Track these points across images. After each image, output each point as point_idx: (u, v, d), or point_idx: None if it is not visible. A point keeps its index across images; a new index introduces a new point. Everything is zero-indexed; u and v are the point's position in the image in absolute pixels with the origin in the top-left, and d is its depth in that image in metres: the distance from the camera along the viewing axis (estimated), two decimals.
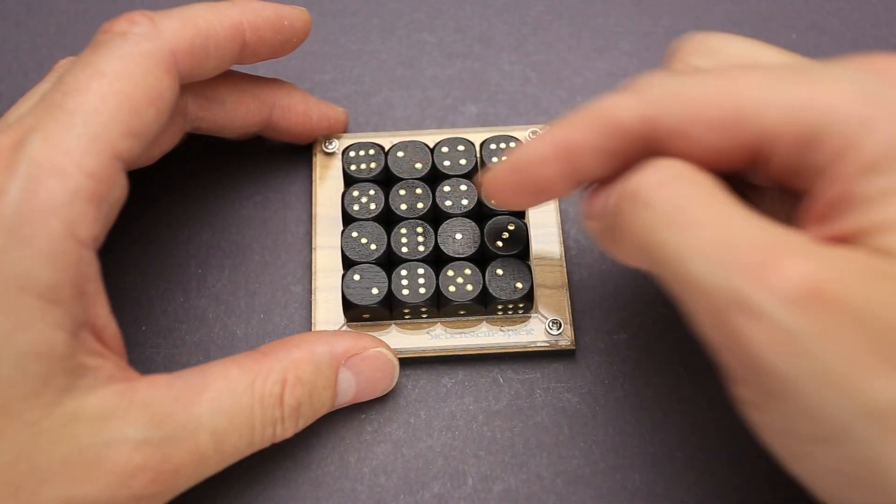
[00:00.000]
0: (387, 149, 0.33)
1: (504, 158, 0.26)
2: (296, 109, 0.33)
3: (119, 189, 0.25)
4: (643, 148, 0.24)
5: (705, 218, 0.21)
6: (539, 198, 0.27)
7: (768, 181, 0.24)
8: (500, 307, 0.30)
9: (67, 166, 0.24)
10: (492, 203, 0.30)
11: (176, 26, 0.27)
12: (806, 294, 0.19)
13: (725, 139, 0.23)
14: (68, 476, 0.23)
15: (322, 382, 0.28)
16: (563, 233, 0.32)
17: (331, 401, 0.28)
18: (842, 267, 0.20)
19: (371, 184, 0.32)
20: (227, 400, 0.26)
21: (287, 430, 0.27)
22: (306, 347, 0.28)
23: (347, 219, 0.32)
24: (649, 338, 0.31)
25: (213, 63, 0.28)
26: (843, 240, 0.21)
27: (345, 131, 0.34)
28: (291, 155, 0.34)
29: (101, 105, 0.24)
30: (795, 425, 0.21)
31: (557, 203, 0.33)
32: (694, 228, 0.21)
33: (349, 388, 0.29)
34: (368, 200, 0.32)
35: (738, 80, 0.23)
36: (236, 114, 0.31)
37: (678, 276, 0.22)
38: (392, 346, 0.30)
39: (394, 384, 0.30)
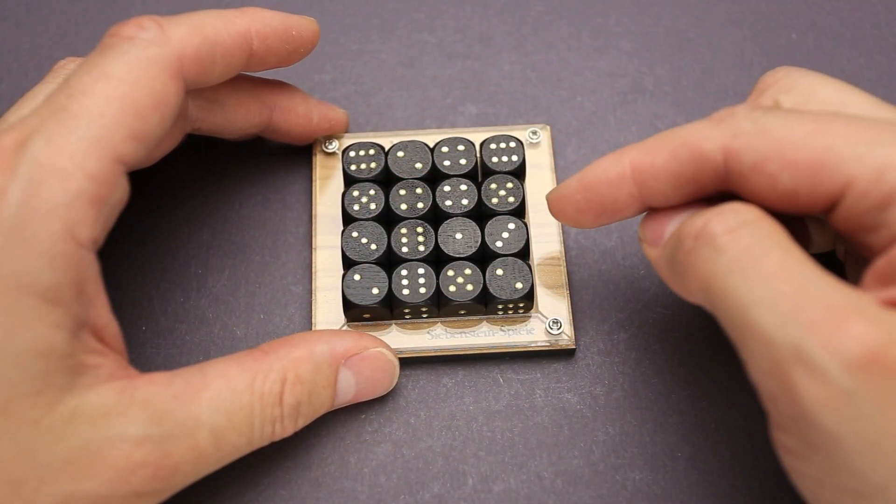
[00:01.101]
0: (387, 149, 0.33)
1: (573, 175, 0.27)
2: (296, 111, 0.33)
3: (120, 192, 0.25)
4: (720, 181, 0.24)
5: (774, 268, 0.22)
6: (604, 218, 0.27)
7: (835, 231, 0.24)
8: (500, 307, 0.30)
9: (69, 168, 0.24)
10: (558, 220, 0.29)
11: (184, 33, 0.26)
12: (867, 358, 0.20)
13: (807, 184, 0.23)
14: (69, 472, 0.24)
15: (322, 382, 0.28)
16: (563, 233, 0.32)
17: (330, 400, 0.28)
18: None
19: (371, 184, 0.32)
20: (227, 398, 0.26)
21: (286, 429, 0.27)
22: (306, 346, 0.28)
23: (347, 219, 0.32)
24: (649, 338, 0.31)
25: (219, 70, 0.28)
26: None
27: (346, 132, 0.34)
28: (291, 155, 0.34)
29: (106, 108, 0.24)
30: (835, 479, 0.21)
31: None
32: (762, 278, 0.22)
33: (349, 388, 0.29)
34: (369, 200, 0.32)
35: (830, 127, 0.23)
36: (237, 115, 0.31)
37: (741, 323, 0.22)
38: (392, 346, 0.30)
39: (394, 384, 0.30)
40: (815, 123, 0.23)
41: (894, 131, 0.23)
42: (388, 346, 0.30)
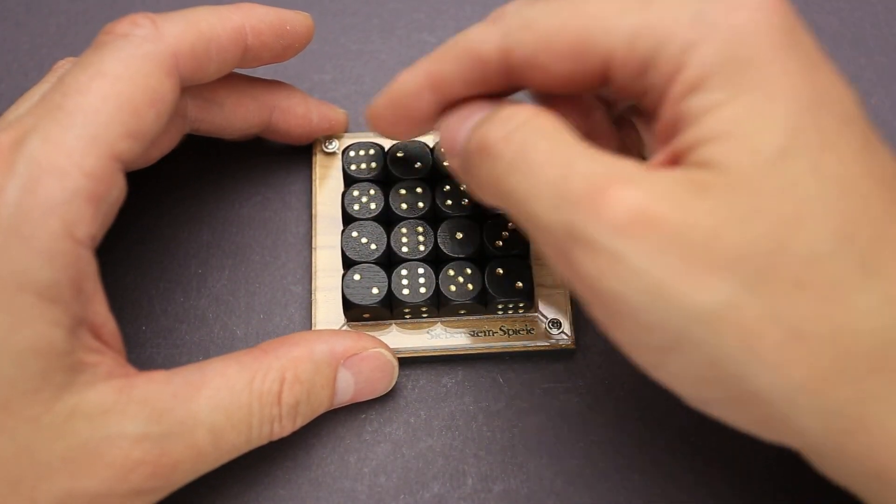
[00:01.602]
0: (387, 149, 0.33)
1: (381, 91, 0.28)
2: (296, 111, 0.33)
3: (117, 189, 0.25)
4: (506, 76, 0.25)
5: (543, 160, 0.23)
6: (416, 127, 0.28)
7: (623, 104, 0.26)
8: (500, 307, 0.30)
9: (67, 166, 0.24)
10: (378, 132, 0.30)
11: (178, 29, 0.27)
12: (631, 220, 0.21)
13: (574, 66, 0.24)
14: (68, 470, 0.24)
15: (321, 381, 0.28)
16: None
17: (329, 400, 0.28)
18: (664, 188, 0.21)
19: (371, 184, 0.32)
20: (226, 397, 0.26)
21: (285, 428, 0.27)
22: (306, 346, 0.28)
23: (347, 218, 0.32)
24: None
25: (214, 66, 0.28)
26: (676, 160, 0.23)
27: (345, 132, 0.34)
28: (291, 155, 0.34)
29: (102, 106, 0.25)
30: (640, 338, 0.22)
31: None
32: (533, 171, 0.23)
33: (348, 388, 0.29)
34: (368, 200, 0.32)
35: (585, 8, 0.24)
36: (236, 116, 0.31)
37: (524, 217, 0.23)
38: (392, 346, 0.30)
39: (392, 385, 0.30)
40: (573, 6, 0.24)
41: None
42: (387, 347, 0.30)
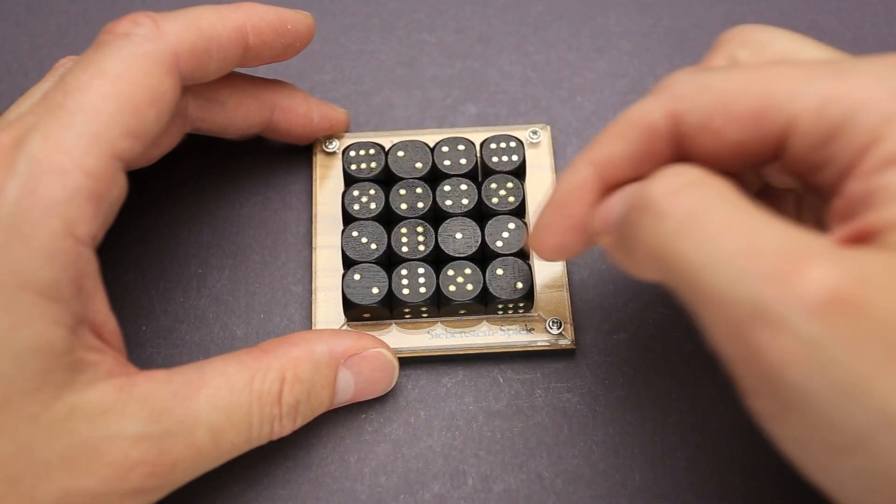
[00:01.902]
0: (387, 148, 0.33)
1: (541, 209, 0.26)
2: (297, 111, 0.33)
3: (118, 188, 0.25)
4: (674, 151, 0.24)
5: (722, 225, 0.20)
6: (586, 234, 0.25)
7: (793, 178, 0.24)
8: (500, 307, 0.30)
9: (67, 165, 0.24)
10: (542, 257, 0.28)
11: (179, 28, 0.27)
12: (829, 301, 0.19)
13: (750, 131, 0.22)
14: (67, 469, 0.24)
15: (321, 381, 0.28)
16: None
17: (329, 399, 0.28)
18: (863, 270, 0.19)
19: (371, 183, 0.32)
20: (225, 396, 0.26)
21: (285, 428, 0.27)
22: (306, 346, 0.28)
23: (348, 218, 0.32)
24: (649, 338, 0.31)
25: (215, 65, 0.28)
26: (865, 238, 0.21)
27: (346, 132, 0.34)
28: (291, 155, 0.34)
29: (102, 105, 0.24)
30: (815, 436, 0.20)
31: None
32: (711, 237, 0.20)
33: (348, 388, 0.29)
34: (369, 200, 0.32)
35: (768, 73, 0.23)
36: (237, 115, 0.31)
37: (694, 288, 0.21)
38: (392, 346, 0.30)
39: (393, 385, 0.30)
40: (756, 71, 0.23)
41: (834, 66, 0.22)
42: (387, 347, 0.30)
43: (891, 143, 0.21)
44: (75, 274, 0.24)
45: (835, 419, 0.19)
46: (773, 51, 0.25)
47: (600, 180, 0.24)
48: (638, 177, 0.24)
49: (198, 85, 0.29)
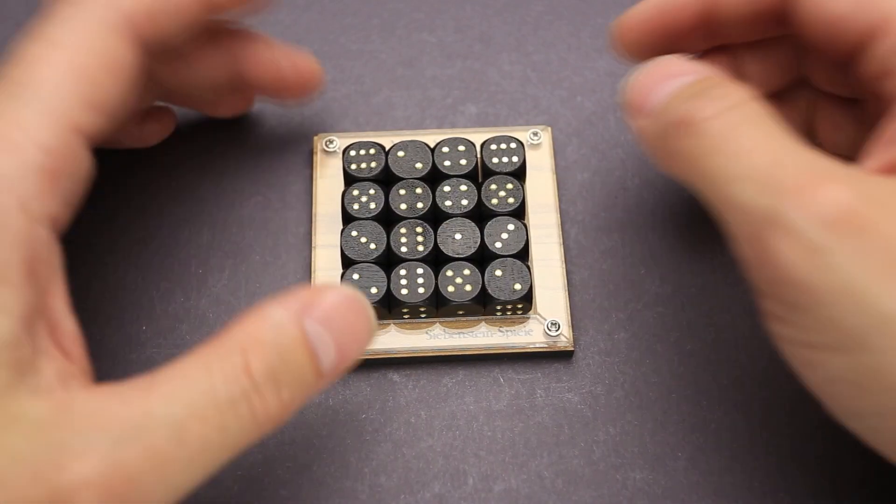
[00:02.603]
0: (387, 148, 0.33)
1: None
2: (261, 57, 0.31)
3: (81, 165, 0.24)
4: (777, 14, 0.26)
5: (752, 146, 0.22)
6: (661, 46, 0.27)
7: (856, 80, 0.26)
8: (498, 308, 0.30)
9: (20, 140, 0.22)
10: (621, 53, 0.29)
11: None
12: (839, 218, 0.21)
13: (852, 11, 0.24)
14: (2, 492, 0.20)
15: (289, 343, 0.23)
16: (563, 233, 0.32)
17: (311, 361, 0.23)
18: (881, 197, 0.21)
19: (371, 183, 0.32)
20: (180, 386, 0.22)
21: (269, 403, 0.22)
22: (258, 314, 0.23)
23: (347, 218, 0.32)
24: (649, 338, 0.31)
25: (175, 25, 0.26)
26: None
27: (320, 87, 0.33)
28: (291, 155, 0.35)
29: (56, 76, 0.23)
30: (813, 335, 0.22)
31: (557, 204, 0.33)
32: (741, 155, 0.22)
33: (327, 345, 0.23)
34: (368, 200, 0.32)
35: None
36: (201, 68, 0.30)
37: (721, 198, 0.23)
38: (391, 346, 0.30)
39: (375, 328, 0.25)
40: None
41: None
42: (349, 288, 0.25)
43: None
44: (27, 255, 0.22)
45: (833, 319, 0.21)
46: None
47: (705, 6, 0.27)
48: (737, 24, 0.27)
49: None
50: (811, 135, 0.30)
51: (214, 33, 0.31)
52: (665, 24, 0.28)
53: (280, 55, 0.31)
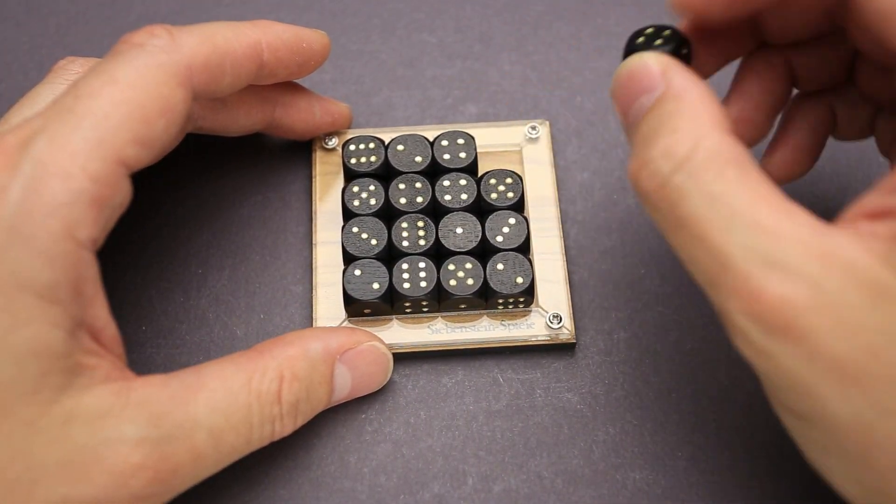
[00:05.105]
0: (387, 142, 0.33)
1: None
2: (298, 106, 0.33)
3: (122, 194, 0.25)
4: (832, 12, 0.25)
5: (698, 230, 0.22)
6: (734, 6, 0.26)
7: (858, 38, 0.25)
8: (500, 301, 0.30)
9: (71, 168, 0.24)
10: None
11: (194, 42, 0.27)
12: (781, 326, 0.21)
13: None
14: (65, 476, 0.23)
15: (318, 378, 0.28)
16: (563, 233, 0.32)
17: (327, 396, 0.28)
18: (831, 286, 0.21)
19: (371, 179, 0.32)
20: (224, 398, 0.26)
21: (286, 427, 0.27)
22: (300, 344, 0.28)
23: (348, 214, 0.32)
24: (649, 338, 0.31)
25: (228, 81, 0.28)
26: None
27: (349, 127, 0.34)
28: (291, 154, 0.35)
29: (112, 111, 0.24)
30: (779, 396, 0.23)
31: (557, 201, 0.33)
32: (687, 244, 0.22)
33: (345, 384, 0.29)
34: (368, 196, 0.32)
35: None
36: (239, 113, 0.31)
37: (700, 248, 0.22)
38: (393, 341, 0.30)
39: (388, 378, 0.30)
40: None
41: None
42: (381, 341, 0.30)
43: None
44: (75, 277, 0.24)
45: (788, 402, 0.22)
46: None
47: None
48: None
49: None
50: (844, 135, 0.30)
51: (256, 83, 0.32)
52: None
53: (315, 103, 0.33)
